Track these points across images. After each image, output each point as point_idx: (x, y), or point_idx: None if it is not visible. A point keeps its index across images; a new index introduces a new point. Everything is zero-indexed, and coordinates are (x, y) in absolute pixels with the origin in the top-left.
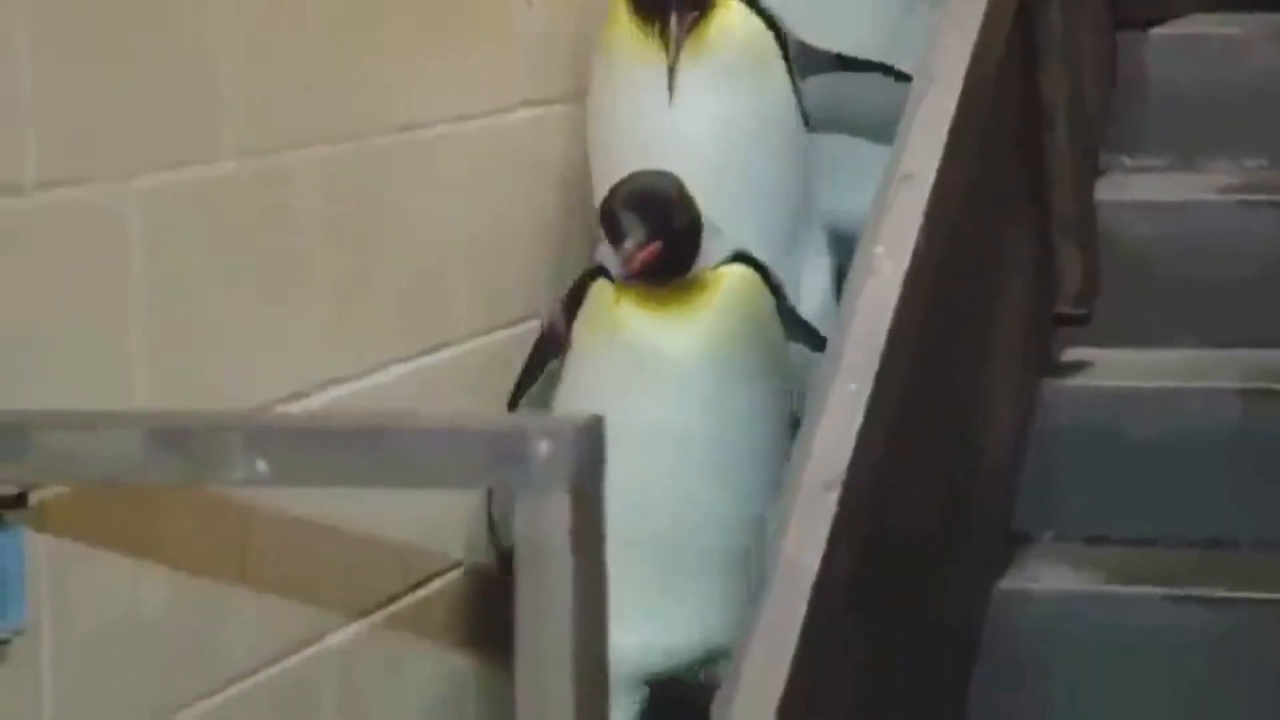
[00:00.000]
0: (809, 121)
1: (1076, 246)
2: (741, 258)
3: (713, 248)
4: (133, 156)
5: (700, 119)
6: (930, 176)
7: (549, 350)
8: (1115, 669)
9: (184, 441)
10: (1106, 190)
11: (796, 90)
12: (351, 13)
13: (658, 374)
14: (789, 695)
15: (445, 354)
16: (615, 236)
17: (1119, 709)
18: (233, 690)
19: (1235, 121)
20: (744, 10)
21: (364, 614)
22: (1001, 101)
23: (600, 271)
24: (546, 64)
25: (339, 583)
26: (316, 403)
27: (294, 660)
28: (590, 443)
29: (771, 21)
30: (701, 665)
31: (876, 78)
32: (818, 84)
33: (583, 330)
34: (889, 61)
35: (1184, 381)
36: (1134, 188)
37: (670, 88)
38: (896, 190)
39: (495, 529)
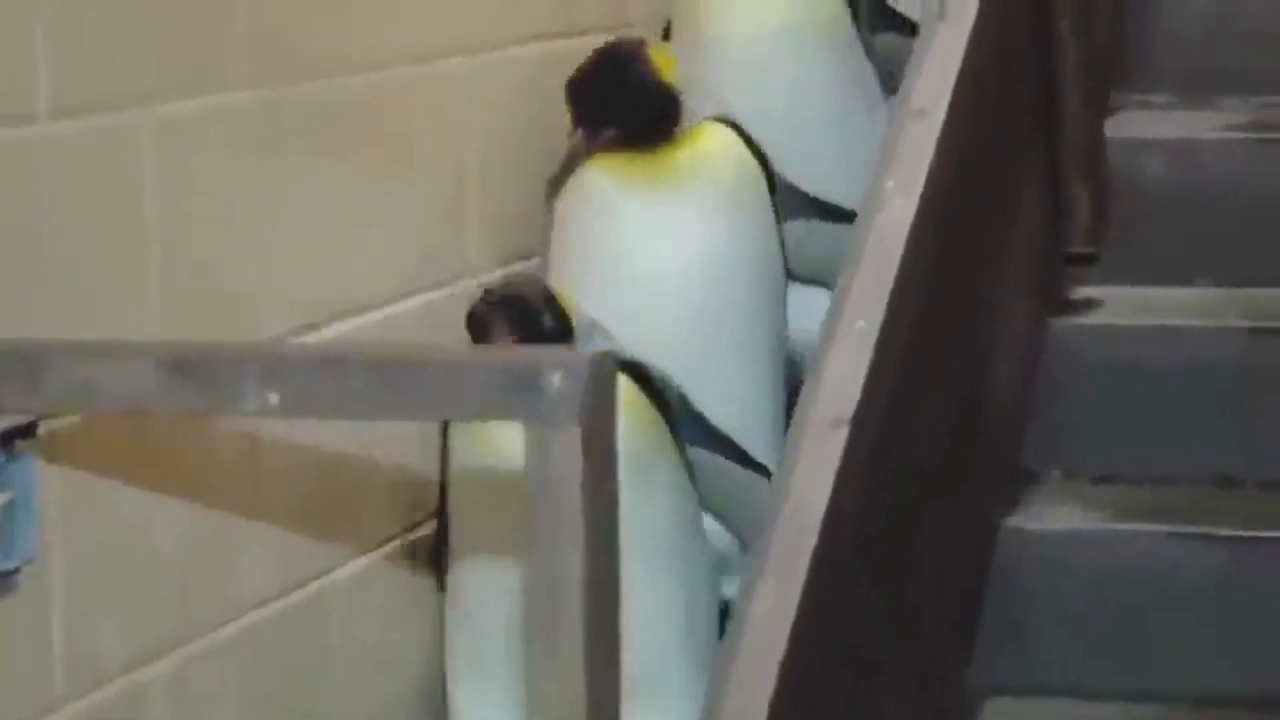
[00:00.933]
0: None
1: (1086, 184)
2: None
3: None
4: (146, 85)
5: (684, 250)
6: (941, 112)
7: None
8: (1122, 607)
9: (196, 372)
10: (1116, 128)
11: (780, 228)
12: None
13: None
14: (797, 632)
15: (459, 286)
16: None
17: (1126, 647)
18: (243, 621)
19: (1247, 59)
20: (734, 140)
21: (374, 547)
22: (1012, 35)
23: None
24: None
25: (349, 515)
26: (329, 334)
27: (304, 593)
28: (602, 377)
29: (760, 155)
30: None
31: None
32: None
33: None
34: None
35: (1193, 320)
36: (1144, 125)
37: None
38: (908, 125)
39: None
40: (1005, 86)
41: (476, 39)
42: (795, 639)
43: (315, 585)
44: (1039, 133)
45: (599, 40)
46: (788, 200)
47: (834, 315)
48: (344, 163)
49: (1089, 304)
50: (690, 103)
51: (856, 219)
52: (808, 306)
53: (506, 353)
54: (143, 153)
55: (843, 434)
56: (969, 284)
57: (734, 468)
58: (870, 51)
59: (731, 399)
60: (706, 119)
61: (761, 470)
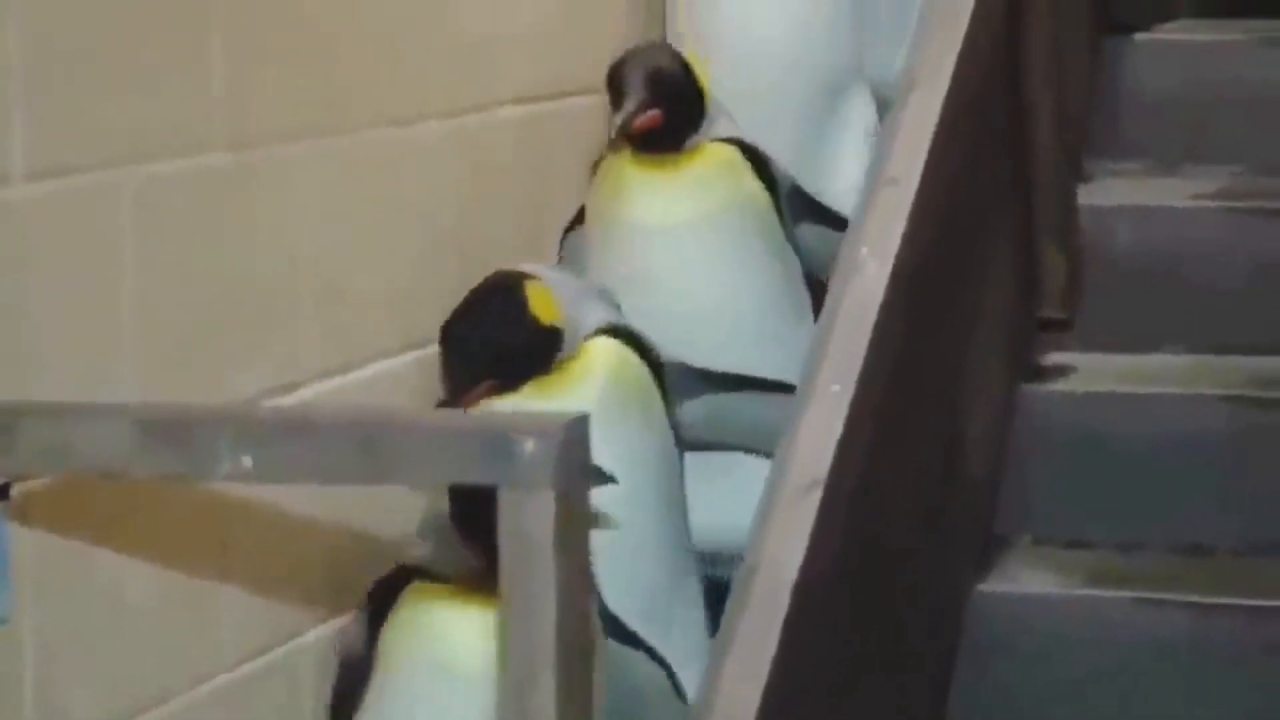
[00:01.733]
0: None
1: (1059, 250)
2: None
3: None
4: (124, 146)
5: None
6: (914, 179)
7: None
8: (1092, 671)
9: (170, 435)
10: (1089, 195)
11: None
12: (343, 7)
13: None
14: (768, 698)
15: (434, 349)
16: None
17: (1097, 713)
18: (217, 681)
19: (1218, 128)
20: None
21: (347, 609)
22: (986, 104)
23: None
24: (538, 60)
25: (322, 578)
26: (305, 396)
27: (277, 654)
28: (576, 441)
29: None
30: None
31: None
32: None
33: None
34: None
35: (1164, 387)
36: (1117, 192)
37: None
38: (881, 192)
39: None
40: (978, 153)
41: (454, 101)
42: (766, 706)
43: (288, 647)
44: (1012, 199)
45: (581, 103)
46: (707, 380)
47: (808, 379)
48: (321, 224)
49: (1061, 370)
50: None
51: (830, 284)
52: (732, 474)
53: (482, 417)
54: (121, 214)
55: (816, 497)
56: (942, 349)
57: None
58: (793, 241)
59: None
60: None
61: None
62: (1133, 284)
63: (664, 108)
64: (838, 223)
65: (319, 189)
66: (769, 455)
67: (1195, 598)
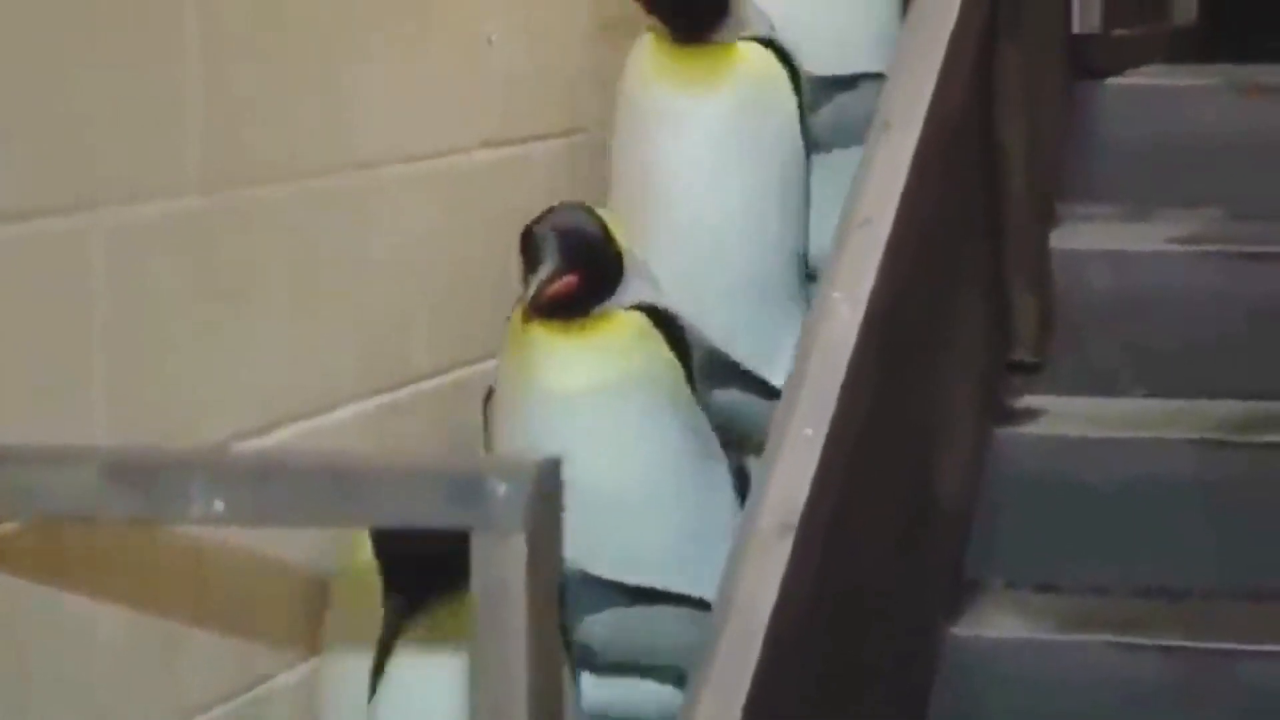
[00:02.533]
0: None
1: (1031, 294)
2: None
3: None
4: (97, 189)
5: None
6: (888, 221)
7: None
8: (1066, 715)
9: (141, 478)
10: (1061, 238)
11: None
12: (315, 51)
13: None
14: None
15: (405, 392)
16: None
17: None
18: None
19: (1189, 173)
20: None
21: (319, 652)
22: (959, 147)
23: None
24: (508, 104)
25: (294, 620)
26: (277, 439)
27: (248, 698)
28: (547, 485)
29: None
30: None
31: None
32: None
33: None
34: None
35: (1136, 431)
36: (1089, 236)
37: None
38: (854, 234)
39: None
40: (951, 196)
41: (423, 145)
42: None
43: (259, 690)
44: (984, 242)
45: (547, 147)
46: (613, 592)
47: (781, 422)
48: (292, 268)
49: (1032, 413)
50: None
51: (803, 327)
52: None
53: (452, 461)
54: (92, 257)
55: (789, 540)
56: (914, 392)
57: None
58: (708, 407)
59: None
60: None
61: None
62: (1105, 328)
63: (580, 273)
64: (764, 388)
65: (291, 232)
66: (680, 683)
67: (1167, 641)
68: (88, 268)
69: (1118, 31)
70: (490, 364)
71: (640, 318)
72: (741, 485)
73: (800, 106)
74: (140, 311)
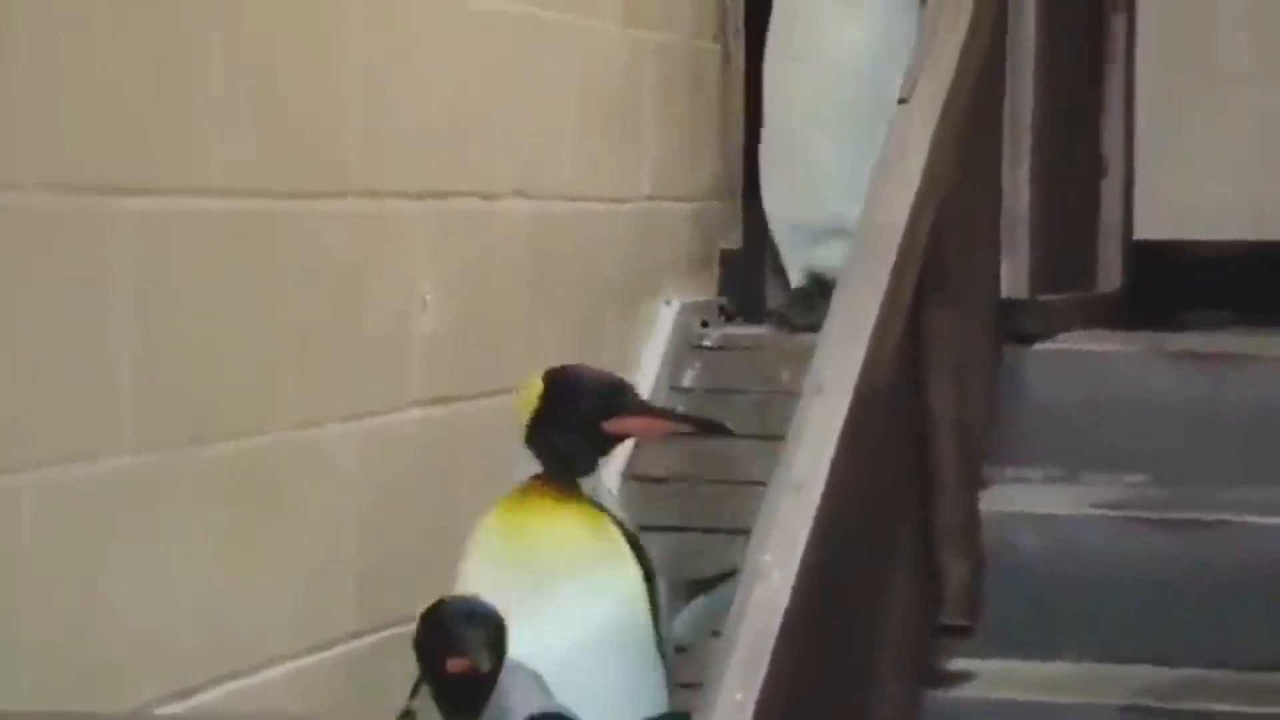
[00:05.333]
0: None
1: (960, 557)
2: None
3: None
4: (29, 449)
5: None
6: (819, 485)
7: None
8: None
9: None
10: (990, 501)
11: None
12: (249, 311)
13: None
14: None
15: (335, 651)
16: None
17: None
18: None
19: (1117, 438)
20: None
21: None
22: (889, 410)
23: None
24: (440, 365)
25: None
26: (201, 701)
27: None
28: None
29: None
30: None
31: None
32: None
33: None
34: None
35: (1064, 696)
36: (1017, 499)
37: None
38: (785, 498)
39: None
40: (881, 459)
41: (356, 405)
42: None
43: None
44: (914, 504)
45: (477, 407)
46: None
47: (712, 687)
48: (222, 526)
49: (962, 676)
50: None
51: (737, 591)
52: None
53: None
54: (22, 516)
55: None
56: (846, 655)
57: None
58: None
59: None
60: None
61: None
62: (1033, 592)
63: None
64: None
65: (223, 494)
66: None
67: None
68: (18, 528)
69: (1045, 297)
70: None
71: None
72: None
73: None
74: (69, 570)
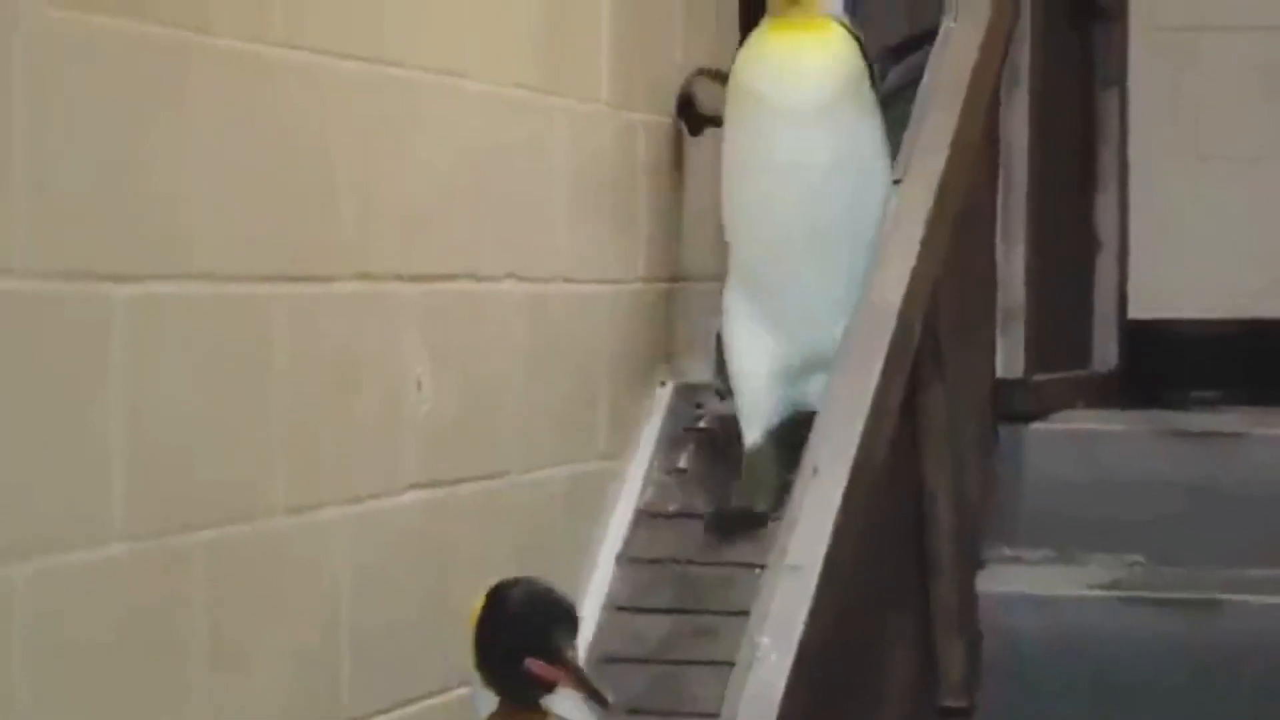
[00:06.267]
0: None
1: (958, 637)
2: None
3: None
4: (20, 538)
5: None
6: (816, 567)
7: None
8: None
9: None
10: (988, 582)
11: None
12: (242, 395)
13: None
14: None
15: None
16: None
17: None
18: None
19: (1113, 517)
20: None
21: None
22: (886, 491)
23: None
24: (435, 448)
25: None
26: None
27: None
28: None
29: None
30: None
31: None
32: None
33: None
34: None
35: None
36: (1015, 580)
37: None
38: (783, 579)
39: None
40: (878, 541)
41: (350, 489)
42: None
43: None
44: (912, 585)
45: (473, 490)
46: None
47: None
48: (217, 612)
49: None
50: None
51: (732, 674)
52: None
53: None
54: (14, 610)
55: None
56: None
57: None
58: None
59: None
60: None
61: None
62: (1032, 672)
63: None
64: None
65: (217, 579)
66: None
67: None
68: (9, 621)
69: (1041, 376)
70: (418, 708)
71: None
72: None
73: None
74: (64, 667)
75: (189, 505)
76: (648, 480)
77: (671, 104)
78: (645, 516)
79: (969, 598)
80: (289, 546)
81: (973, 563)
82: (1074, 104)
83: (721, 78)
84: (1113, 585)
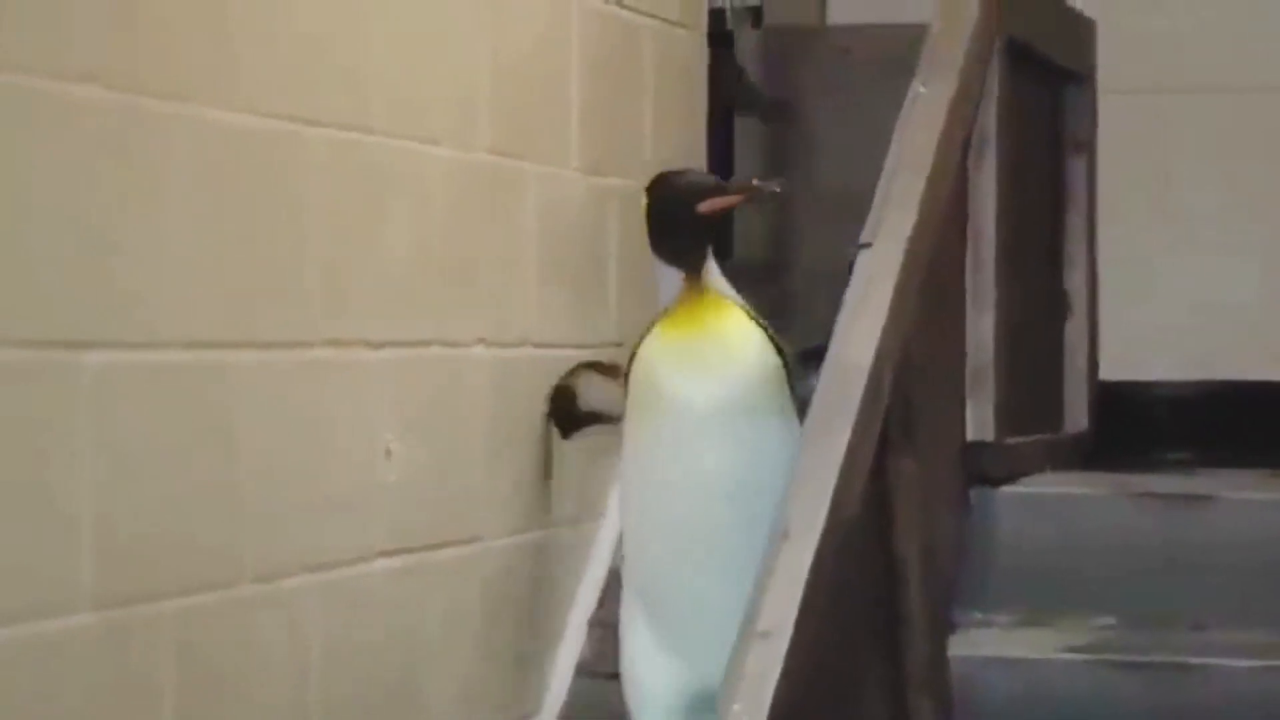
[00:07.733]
0: None
1: (929, 700)
2: None
3: None
4: None
5: None
6: (787, 632)
7: None
8: None
9: None
10: (960, 645)
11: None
12: (210, 462)
13: None
14: None
15: None
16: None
17: None
18: None
19: (1085, 580)
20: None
21: None
22: (856, 555)
23: None
24: (404, 514)
25: None
26: None
27: None
28: None
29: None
30: None
31: None
32: None
33: None
34: None
35: None
36: (986, 644)
37: None
38: (754, 645)
39: None
40: (848, 604)
41: (319, 556)
42: None
43: None
44: (883, 649)
45: (442, 556)
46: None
47: None
48: (184, 682)
49: None
50: None
51: None
52: None
53: None
54: None
55: None
56: None
57: None
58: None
59: None
60: None
61: None
62: None
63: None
64: None
65: (185, 647)
66: None
67: None
68: None
69: (1011, 439)
70: None
71: None
72: None
73: None
74: None
75: (157, 574)
76: (618, 544)
77: (642, 169)
78: (616, 581)
79: (940, 661)
80: (257, 615)
81: (944, 626)
82: (1043, 167)
83: (609, 371)
84: (1084, 648)
